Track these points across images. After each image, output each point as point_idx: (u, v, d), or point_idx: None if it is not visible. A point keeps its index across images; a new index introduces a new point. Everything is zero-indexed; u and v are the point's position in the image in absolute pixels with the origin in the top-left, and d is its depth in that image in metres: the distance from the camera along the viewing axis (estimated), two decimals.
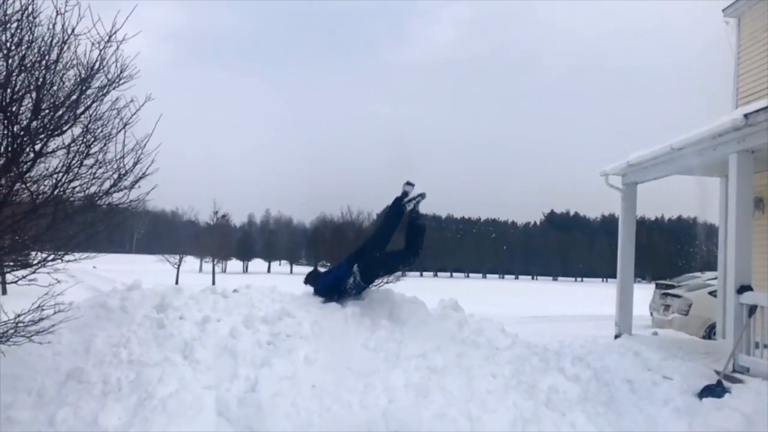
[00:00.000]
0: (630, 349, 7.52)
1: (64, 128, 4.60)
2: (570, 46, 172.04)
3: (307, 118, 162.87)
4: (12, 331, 4.73)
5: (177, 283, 32.16)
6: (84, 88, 4.62)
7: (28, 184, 4.62)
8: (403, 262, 7.00)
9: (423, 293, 7.45)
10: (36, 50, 4.43)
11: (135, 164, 4.93)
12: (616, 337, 9.19)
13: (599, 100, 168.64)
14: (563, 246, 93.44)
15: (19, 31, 4.34)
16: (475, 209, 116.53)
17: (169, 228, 79.21)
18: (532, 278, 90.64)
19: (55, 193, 4.63)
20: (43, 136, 4.52)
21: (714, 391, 5.84)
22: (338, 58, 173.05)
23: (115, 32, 4.54)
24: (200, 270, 58.58)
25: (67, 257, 4.90)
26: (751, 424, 5.22)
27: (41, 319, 4.85)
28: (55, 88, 4.54)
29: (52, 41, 4.43)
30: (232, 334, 5.75)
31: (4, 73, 4.32)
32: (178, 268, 41.08)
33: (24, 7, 4.32)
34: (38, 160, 4.59)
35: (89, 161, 4.79)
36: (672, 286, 15.10)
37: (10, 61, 4.32)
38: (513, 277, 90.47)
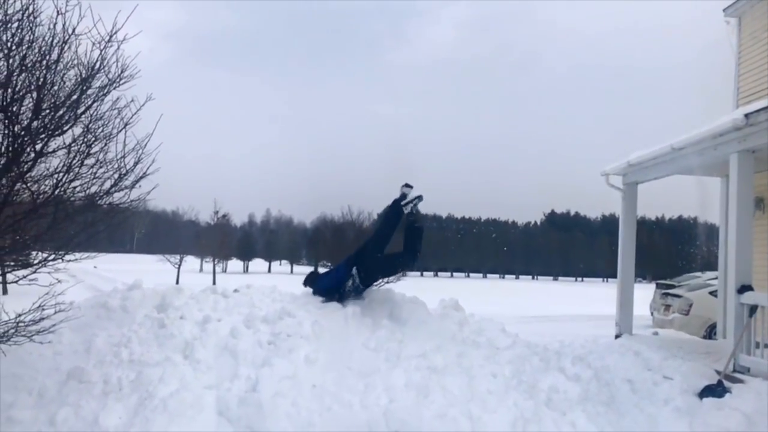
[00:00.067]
0: (630, 348, 7.52)
1: (65, 128, 4.61)
2: (570, 45, 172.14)
3: (307, 118, 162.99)
4: (13, 330, 4.73)
5: (177, 282, 32.18)
6: (85, 87, 4.62)
7: (28, 184, 4.63)
8: (401, 265, 7.01)
9: (423, 293, 7.45)
10: (37, 50, 4.43)
11: (136, 164, 4.94)
12: (617, 336, 9.19)
13: (600, 100, 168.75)
14: (564, 246, 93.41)
15: (19, 30, 4.34)
16: (475, 209, 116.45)
17: (170, 228, 79.29)
18: (533, 278, 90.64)
19: (56, 192, 4.63)
20: (43, 135, 4.52)
21: (714, 390, 5.84)
22: (338, 58, 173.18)
23: (115, 32, 4.55)
24: (201, 270, 58.61)
25: (67, 257, 4.91)
26: (751, 424, 5.22)
27: (42, 319, 4.85)
28: (55, 87, 4.55)
29: (52, 41, 4.44)
30: (232, 334, 5.75)
31: (5, 73, 4.32)
32: (179, 268, 41.11)
33: (25, 7, 4.33)
34: (39, 160, 4.59)
35: (90, 161, 4.80)
36: (672, 286, 15.09)
37: (11, 60, 4.33)
38: (513, 276, 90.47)
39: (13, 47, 4.33)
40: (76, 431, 4.56)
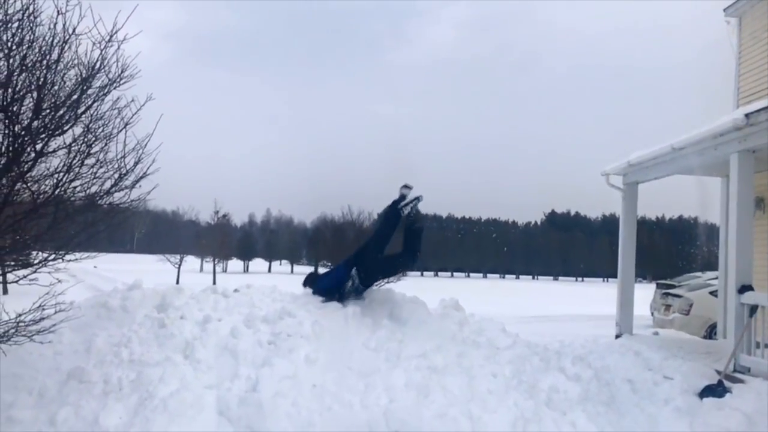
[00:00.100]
0: (631, 348, 7.52)
1: (65, 128, 4.61)
2: (570, 45, 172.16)
3: (307, 118, 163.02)
4: (13, 330, 4.73)
5: (178, 282, 32.20)
6: (85, 87, 4.62)
7: (29, 184, 4.63)
8: (401, 265, 7.01)
9: (424, 293, 7.45)
10: (37, 50, 4.43)
11: (136, 164, 4.94)
12: (617, 336, 9.19)
13: (600, 100, 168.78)
14: (564, 246, 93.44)
15: (20, 30, 4.34)
16: (475, 209, 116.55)
17: (170, 228, 79.25)
18: (533, 278, 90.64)
19: (56, 192, 4.63)
20: (44, 135, 4.52)
21: (715, 390, 5.84)
22: (339, 57, 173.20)
23: (115, 32, 4.55)
24: (201, 270, 58.63)
25: (68, 257, 4.91)
26: (752, 424, 5.22)
27: (42, 319, 4.85)
28: (56, 87, 4.54)
29: (53, 41, 4.44)
30: (232, 334, 5.75)
31: (5, 73, 4.32)
32: (179, 268, 41.14)
33: (25, 7, 4.33)
34: (39, 160, 4.59)
35: (90, 161, 4.80)
36: (673, 286, 15.09)
37: (11, 60, 4.32)
38: (514, 276, 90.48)
39: (14, 47, 4.33)
40: (76, 431, 4.56)
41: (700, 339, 11.16)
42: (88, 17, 4.41)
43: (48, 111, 4.49)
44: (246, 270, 75.05)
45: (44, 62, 4.42)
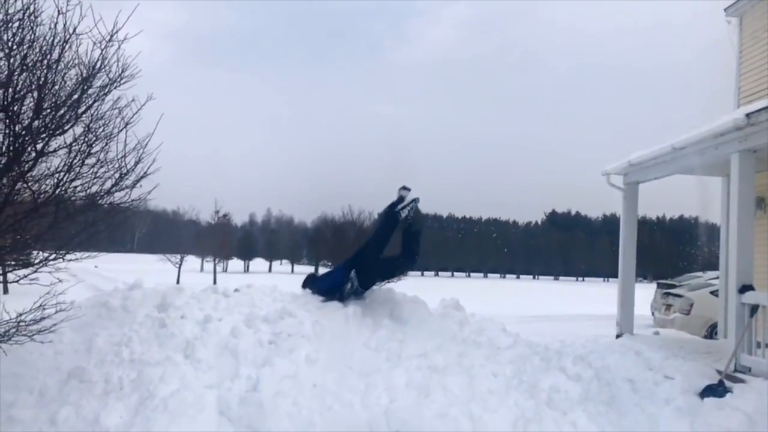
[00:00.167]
0: (631, 348, 7.51)
1: (66, 128, 4.61)
2: (571, 45, 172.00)
3: (307, 118, 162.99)
4: (14, 330, 4.74)
5: (178, 282, 32.20)
6: (85, 87, 4.62)
7: (29, 184, 4.63)
8: (400, 268, 7.00)
9: (424, 293, 7.45)
10: (37, 49, 4.43)
11: (136, 163, 4.94)
12: (618, 336, 9.19)
13: (600, 99, 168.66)
14: (564, 245, 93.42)
15: (20, 30, 4.34)
16: (476, 209, 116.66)
17: (171, 227, 79.26)
18: (534, 278, 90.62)
19: (57, 192, 4.63)
20: (44, 135, 4.52)
21: (716, 390, 5.83)
22: (339, 57, 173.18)
23: (116, 32, 4.55)
24: (201, 269, 58.63)
25: (68, 256, 4.91)
26: (752, 424, 5.21)
27: (43, 318, 4.85)
28: (56, 87, 4.55)
29: (53, 40, 4.44)
30: (233, 334, 5.75)
31: (6, 73, 4.33)
32: (180, 268, 41.15)
33: (26, 7, 4.33)
34: (40, 160, 4.59)
35: (91, 160, 4.80)
36: (673, 286, 15.08)
37: (11, 60, 4.33)
38: (514, 276, 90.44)
39: (14, 47, 4.33)
40: (77, 431, 4.56)
41: (700, 339, 11.15)
42: (88, 17, 4.42)
43: (48, 111, 4.50)
44: (246, 270, 75.05)
45: (45, 62, 4.43)
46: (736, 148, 6.78)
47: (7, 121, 4.36)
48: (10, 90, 4.33)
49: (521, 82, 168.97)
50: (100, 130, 4.81)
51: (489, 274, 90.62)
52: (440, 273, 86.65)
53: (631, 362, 6.89)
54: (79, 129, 4.69)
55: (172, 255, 42.25)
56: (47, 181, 4.69)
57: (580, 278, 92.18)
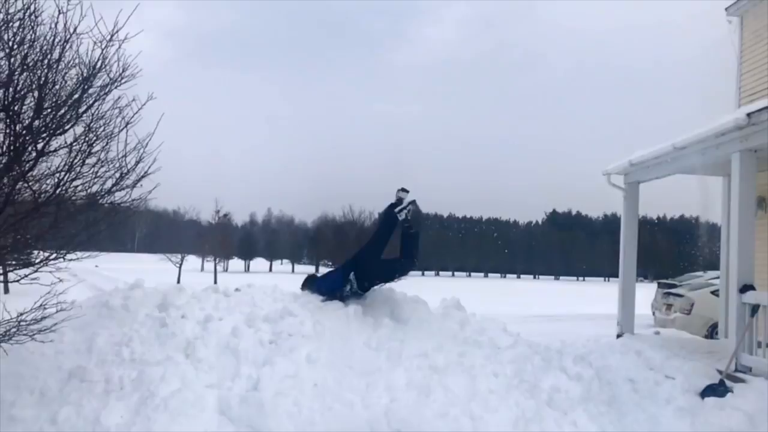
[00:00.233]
0: (632, 348, 7.51)
1: (66, 127, 4.61)
2: (572, 44, 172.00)
3: (308, 117, 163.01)
4: (14, 329, 4.74)
5: (179, 282, 32.21)
6: (86, 87, 4.62)
7: (30, 183, 4.63)
8: (399, 270, 7.00)
9: (425, 292, 7.44)
10: (38, 49, 4.43)
11: (137, 163, 4.93)
12: (618, 336, 9.18)
13: (601, 99, 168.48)
14: (565, 245, 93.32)
15: (21, 30, 4.34)
16: (476, 208, 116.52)
17: (171, 227, 79.28)
18: (534, 277, 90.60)
19: (57, 192, 4.63)
20: (45, 135, 4.52)
21: (716, 390, 5.83)
22: (340, 57, 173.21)
23: (116, 31, 4.55)
24: (202, 269, 58.69)
25: (69, 256, 4.90)
26: (753, 424, 5.21)
27: (43, 318, 4.85)
28: (57, 87, 4.54)
29: (54, 40, 4.44)
30: (234, 333, 5.75)
31: (7, 72, 4.32)
32: (180, 267, 41.23)
33: (26, 6, 4.33)
34: (40, 159, 4.59)
35: (91, 160, 4.79)
36: (674, 286, 15.08)
37: (12, 60, 4.32)
38: (515, 276, 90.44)
39: (15, 46, 4.33)
40: (77, 430, 4.56)
41: (701, 338, 11.15)
42: (89, 17, 4.41)
43: (49, 110, 4.49)
44: (247, 269, 75.12)
45: (45, 61, 4.42)
46: (737, 148, 6.77)
47: (8, 120, 4.36)
48: (11, 89, 4.33)
49: (521, 82, 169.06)
50: (101, 129, 4.80)
51: (490, 274, 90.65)
52: (441, 273, 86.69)
53: (632, 362, 6.88)
54: (79, 128, 4.69)
55: (172, 255, 42.35)
56: (48, 181, 4.70)
57: (581, 278, 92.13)
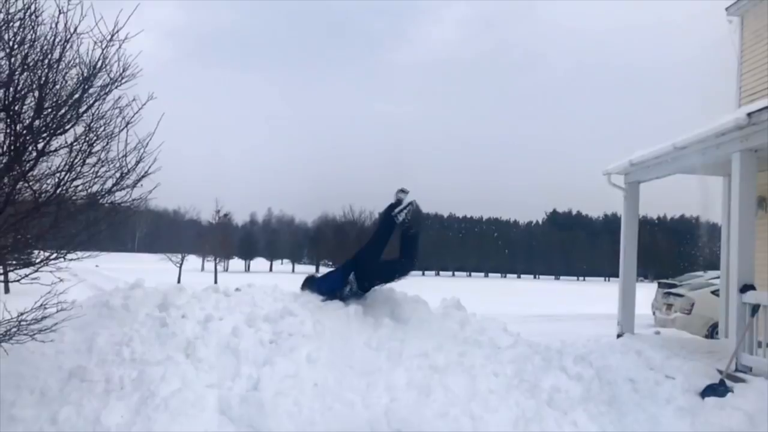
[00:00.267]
0: (632, 348, 7.50)
1: (67, 127, 4.61)
2: (573, 44, 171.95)
3: (309, 117, 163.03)
4: (15, 329, 4.74)
5: (179, 281, 32.22)
6: (86, 86, 4.62)
7: (30, 183, 4.63)
8: (399, 271, 7.01)
9: (425, 292, 7.44)
10: (38, 49, 4.43)
11: (137, 163, 4.94)
12: (619, 336, 9.18)
13: (602, 98, 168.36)
14: (565, 245, 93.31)
15: (21, 29, 4.34)
16: (477, 208, 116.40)
17: (172, 227, 79.36)
18: (535, 277, 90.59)
19: (58, 191, 4.64)
20: (45, 134, 4.53)
21: (716, 390, 5.83)
22: (340, 57, 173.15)
23: (117, 31, 4.55)
24: (202, 269, 58.68)
25: (69, 256, 4.90)
26: (753, 424, 5.21)
27: (44, 318, 4.86)
28: (57, 86, 4.55)
29: (54, 40, 4.44)
30: (234, 333, 5.76)
31: (7, 72, 4.33)
32: (181, 267, 41.25)
33: (26, 6, 4.33)
34: (41, 159, 4.60)
35: (92, 160, 4.80)
36: (674, 285, 15.08)
37: (12, 59, 4.33)
38: (515, 276, 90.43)
39: (15, 46, 4.33)
40: (78, 430, 4.57)
41: (701, 338, 11.15)
42: (89, 16, 4.42)
43: (49, 110, 4.50)
44: (247, 269, 75.12)
45: (46, 61, 4.43)
46: (738, 148, 6.77)
47: (9, 120, 4.37)
48: (11, 89, 4.33)
49: (521, 82, 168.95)
50: (101, 129, 4.81)
51: (490, 274, 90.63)
52: (441, 272, 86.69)
53: (632, 362, 6.88)
54: (80, 128, 4.70)
55: (173, 254, 42.37)
56: (48, 181, 4.70)
57: (581, 278, 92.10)
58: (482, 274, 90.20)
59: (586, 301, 29.61)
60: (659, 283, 16.61)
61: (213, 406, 4.94)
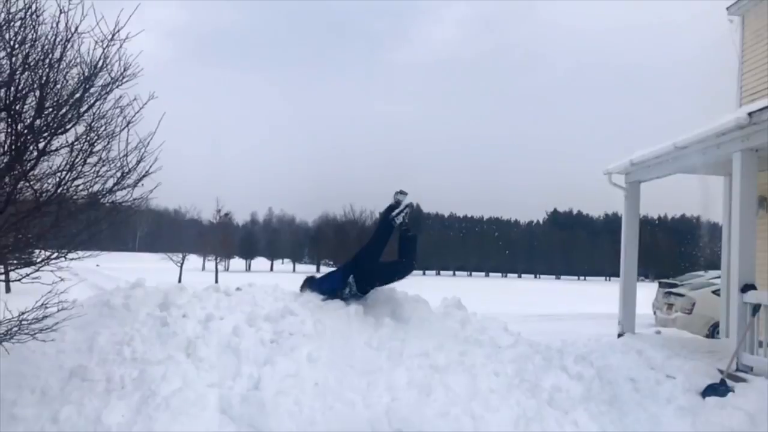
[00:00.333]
0: (633, 347, 7.51)
1: (68, 126, 4.61)
2: (573, 43, 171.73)
3: (309, 117, 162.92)
4: (16, 328, 4.74)
5: (180, 281, 32.23)
6: (87, 86, 4.62)
7: (31, 183, 4.63)
8: (398, 273, 7.03)
9: (426, 292, 7.45)
10: (39, 48, 4.43)
11: (138, 162, 4.94)
12: (619, 335, 9.18)
13: (602, 98, 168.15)
14: (566, 244, 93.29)
15: (22, 29, 4.34)
16: (477, 208, 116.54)
17: (172, 226, 79.29)
18: (535, 277, 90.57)
19: (59, 191, 4.64)
20: (46, 134, 4.53)
21: (717, 389, 5.83)
22: (341, 56, 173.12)
23: (118, 31, 4.55)
24: (203, 268, 58.71)
25: (70, 255, 4.91)
26: (754, 423, 5.21)
27: (45, 317, 4.86)
28: (58, 86, 4.55)
29: (55, 39, 4.44)
30: (235, 333, 5.76)
31: (8, 72, 4.33)
32: (181, 267, 41.30)
33: (27, 6, 4.33)
34: (42, 159, 4.60)
35: (92, 159, 4.79)
36: (675, 285, 15.08)
37: (13, 59, 4.33)
38: (516, 275, 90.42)
39: (16, 46, 4.34)
40: (78, 429, 4.57)
41: (702, 338, 11.15)
42: (90, 16, 4.41)
43: (50, 110, 4.50)
44: (248, 269, 75.19)
45: (47, 61, 4.43)
46: (738, 147, 6.77)
47: (9, 120, 4.37)
48: (12, 89, 4.33)
49: (522, 82, 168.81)
50: (102, 129, 4.81)
51: (490, 273, 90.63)
52: (442, 272, 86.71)
53: (633, 361, 6.88)
54: (81, 128, 4.70)
55: (173, 254, 42.40)
56: (49, 180, 4.70)
57: (582, 277, 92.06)
58: (483, 273, 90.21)
59: (586, 301, 29.61)
60: (660, 283, 16.61)
61: (214, 406, 4.95)
